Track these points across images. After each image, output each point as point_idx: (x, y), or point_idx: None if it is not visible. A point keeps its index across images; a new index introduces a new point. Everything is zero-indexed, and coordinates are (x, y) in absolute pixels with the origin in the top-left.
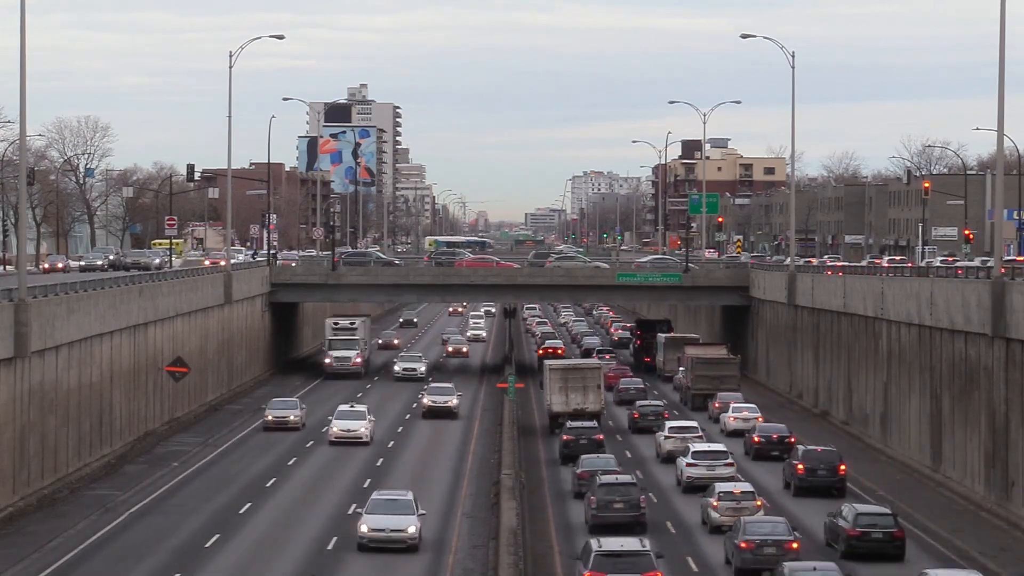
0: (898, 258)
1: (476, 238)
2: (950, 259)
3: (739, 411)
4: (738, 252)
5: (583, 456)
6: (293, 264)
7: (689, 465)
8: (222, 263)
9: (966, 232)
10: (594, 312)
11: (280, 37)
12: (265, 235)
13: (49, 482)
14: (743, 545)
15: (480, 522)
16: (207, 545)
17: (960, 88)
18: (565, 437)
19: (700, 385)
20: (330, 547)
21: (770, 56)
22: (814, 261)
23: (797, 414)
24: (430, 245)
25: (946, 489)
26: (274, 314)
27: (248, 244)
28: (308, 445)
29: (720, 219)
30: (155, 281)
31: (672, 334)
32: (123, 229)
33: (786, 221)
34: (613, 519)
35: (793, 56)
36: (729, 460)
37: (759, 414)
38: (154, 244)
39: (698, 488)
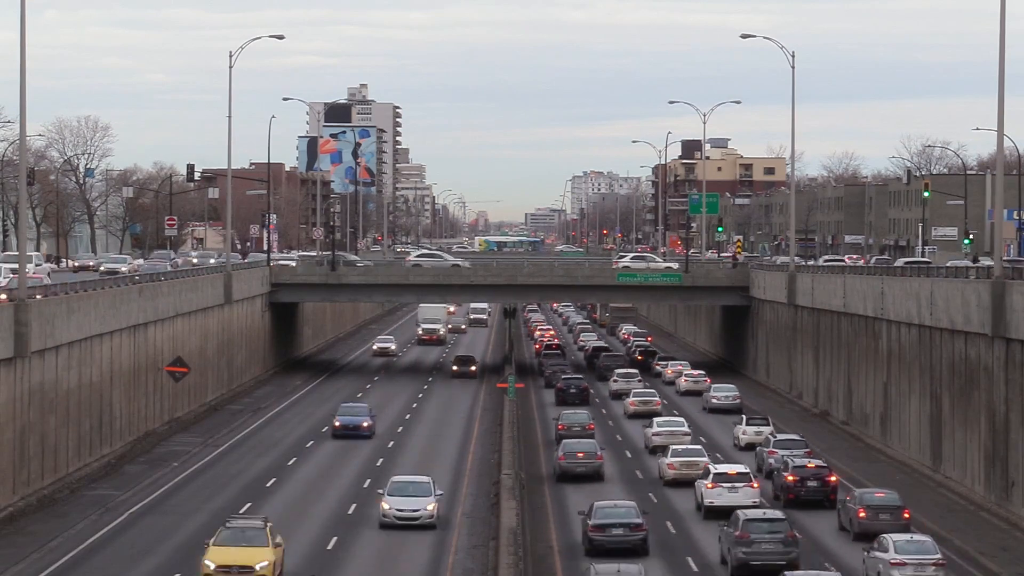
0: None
1: (527, 237)
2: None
3: (628, 330)
4: (738, 252)
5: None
6: (292, 264)
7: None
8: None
9: (966, 232)
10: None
11: (280, 37)
12: (265, 235)
13: (49, 482)
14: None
15: (480, 522)
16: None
17: (960, 88)
18: (544, 354)
19: (614, 320)
20: (330, 547)
21: (771, 56)
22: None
23: (797, 414)
24: (480, 245)
25: (946, 489)
26: (274, 314)
27: (247, 244)
28: (308, 445)
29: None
30: (155, 281)
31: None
32: (123, 229)
33: (786, 221)
34: (568, 396)
35: (793, 56)
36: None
37: (644, 334)
38: None
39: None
